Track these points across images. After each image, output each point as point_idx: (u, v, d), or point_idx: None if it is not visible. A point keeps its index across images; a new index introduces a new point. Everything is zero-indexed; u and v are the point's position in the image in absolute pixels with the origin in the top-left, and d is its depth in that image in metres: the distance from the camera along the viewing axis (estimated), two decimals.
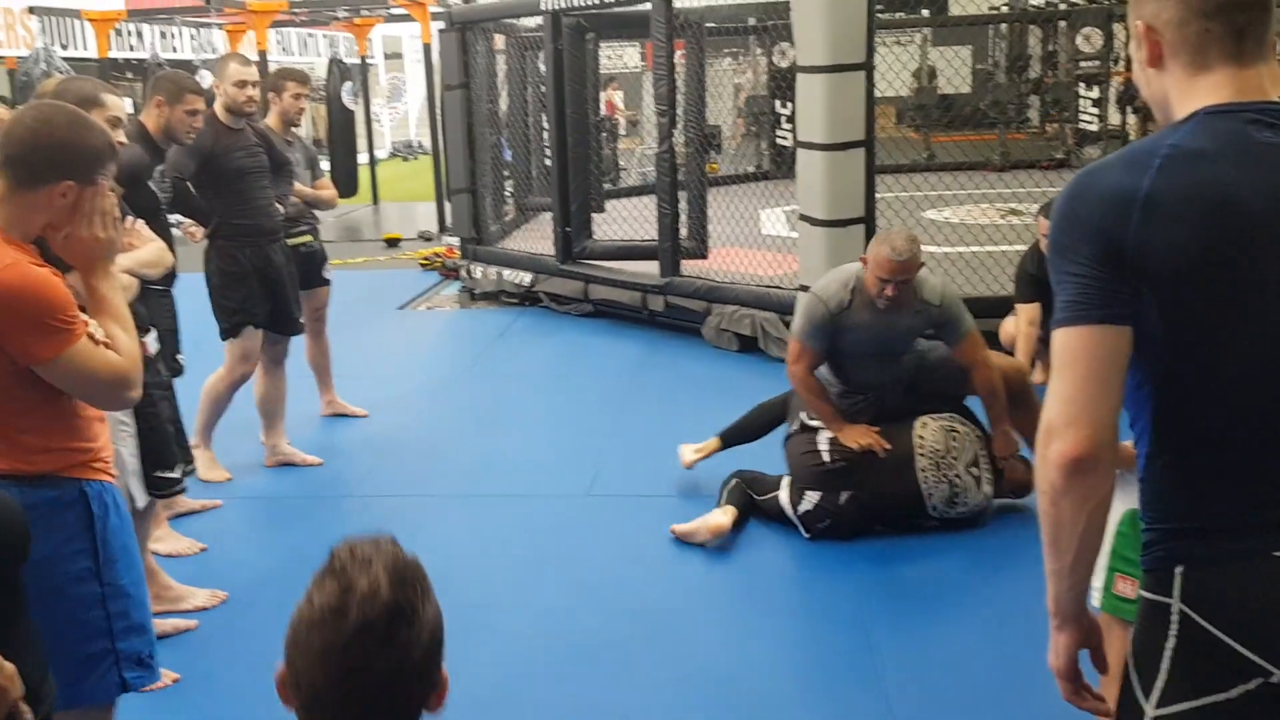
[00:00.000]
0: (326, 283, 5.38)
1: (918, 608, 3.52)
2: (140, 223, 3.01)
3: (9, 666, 1.40)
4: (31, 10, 12.31)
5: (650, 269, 7.19)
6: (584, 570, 3.85)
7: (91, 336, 2.01)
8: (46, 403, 2.04)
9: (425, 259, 9.83)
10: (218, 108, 4.54)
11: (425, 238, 11.24)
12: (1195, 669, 1.41)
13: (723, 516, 4.01)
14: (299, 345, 5.30)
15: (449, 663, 1.35)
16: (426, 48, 11.36)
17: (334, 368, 5.55)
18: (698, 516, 4.08)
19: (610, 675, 3.16)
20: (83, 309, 2.04)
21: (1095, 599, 1.96)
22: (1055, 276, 1.42)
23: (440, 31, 8.46)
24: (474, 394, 5.84)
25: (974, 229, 7.64)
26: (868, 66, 5.88)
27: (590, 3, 7.13)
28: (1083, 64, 13.73)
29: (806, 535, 3.96)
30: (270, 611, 3.56)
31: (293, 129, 5.12)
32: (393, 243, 11.31)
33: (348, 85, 13.19)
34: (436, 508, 4.45)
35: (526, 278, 7.98)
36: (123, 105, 3.15)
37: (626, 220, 8.28)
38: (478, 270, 8.46)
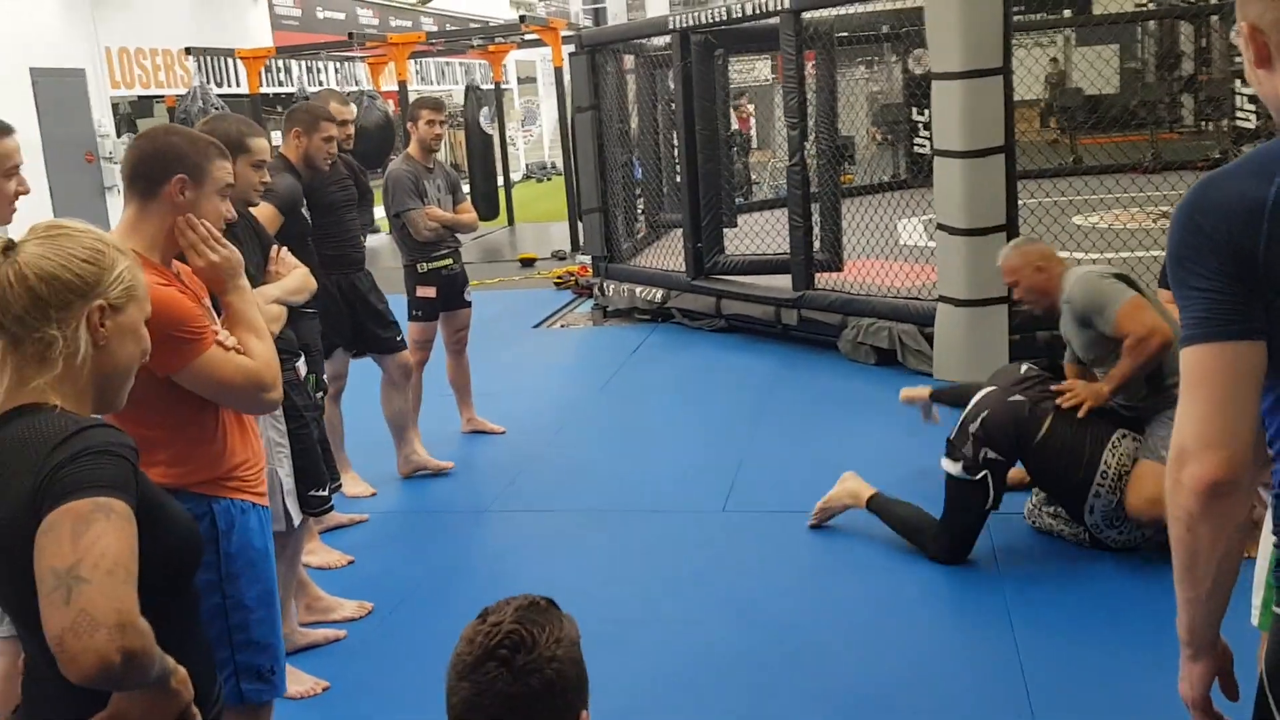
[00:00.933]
0: (468, 304, 5.50)
1: (1065, 627, 3.38)
2: (285, 251, 3.13)
3: (182, 671, 1.46)
4: (188, 51, 13.00)
5: (783, 283, 7.14)
6: (721, 585, 3.83)
7: (221, 345, 2.14)
8: (184, 421, 2.16)
9: (559, 278, 9.98)
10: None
11: (559, 257, 11.42)
12: None
13: (857, 482, 4.06)
14: (440, 365, 5.45)
15: (590, 670, 1.42)
16: (558, 71, 11.55)
17: (472, 386, 5.68)
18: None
19: (748, 690, 3.13)
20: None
21: (1255, 618, 1.84)
22: (1180, 293, 1.35)
23: (570, 55, 8.60)
24: (609, 410, 5.89)
25: (1123, 234, 7.34)
26: (1005, 71, 5.74)
27: (718, 19, 7.14)
28: (1237, 59, 13.10)
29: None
30: (414, 622, 3.66)
31: (432, 155, 5.26)
32: (528, 263, 11.53)
33: (484, 110, 13.52)
34: (574, 523, 4.50)
35: (659, 294, 8.02)
36: (267, 147, 3.27)
37: (759, 234, 8.24)
38: (610, 288, 8.54)
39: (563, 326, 8.56)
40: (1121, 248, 6.78)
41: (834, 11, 7.90)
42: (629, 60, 9.20)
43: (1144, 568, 3.68)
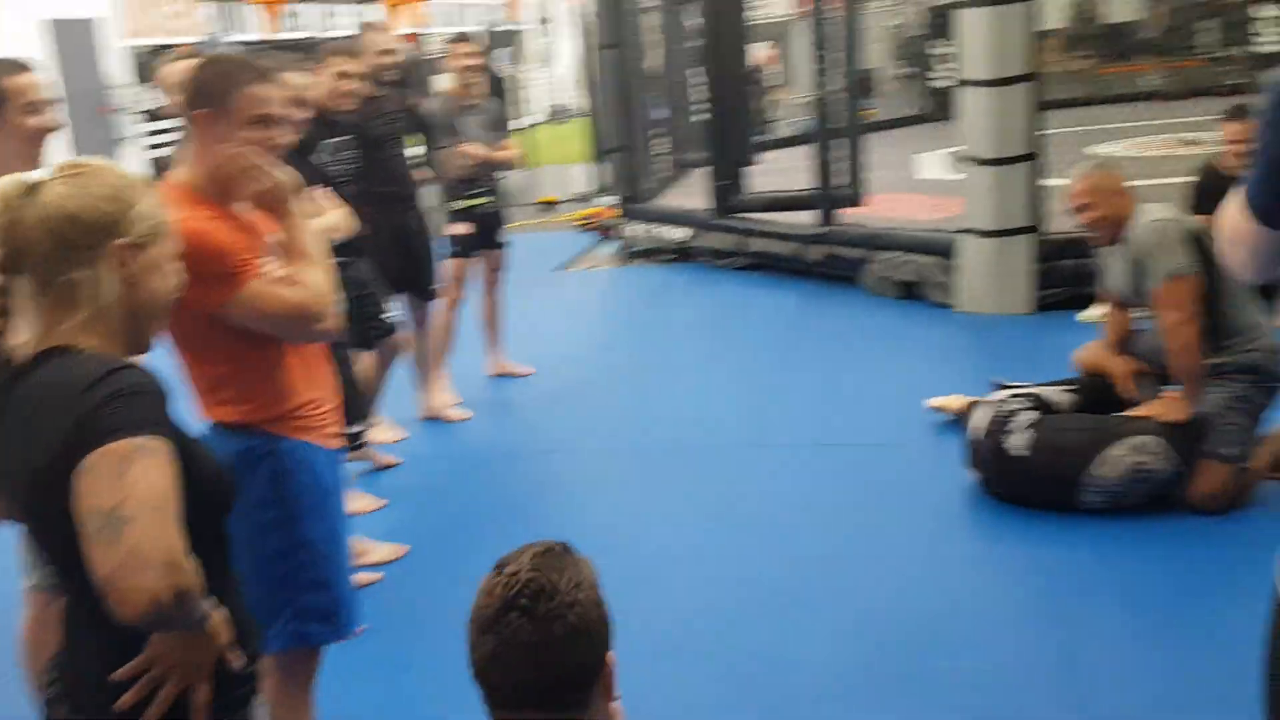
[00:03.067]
0: (501, 245, 5.50)
1: (1084, 552, 3.42)
2: (319, 190, 3.13)
3: (220, 613, 1.47)
4: None
5: (807, 219, 7.11)
6: (759, 519, 3.87)
7: (267, 276, 2.09)
8: (244, 357, 2.15)
9: (583, 220, 9.96)
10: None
11: (582, 198, 11.38)
12: None
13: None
14: (471, 309, 5.47)
15: (626, 607, 1.40)
16: (574, 8, 11.43)
17: (502, 329, 5.70)
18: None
19: (784, 621, 3.18)
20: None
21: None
22: (1254, 156, 1.38)
23: None
24: (638, 350, 5.92)
25: (1146, 162, 7.26)
26: None
27: None
28: None
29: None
30: (450, 563, 3.72)
31: (471, 89, 5.21)
32: (548, 205, 11.49)
33: (499, 51, 13.41)
34: (607, 462, 4.55)
35: (682, 234, 8.00)
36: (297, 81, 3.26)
37: (781, 172, 8.19)
38: (634, 228, 8.52)
39: (588, 269, 8.56)
40: (1141, 176, 6.69)
41: None
42: None
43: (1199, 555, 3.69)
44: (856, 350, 5.70)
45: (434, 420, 5.07)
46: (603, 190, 10.52)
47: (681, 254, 8.10)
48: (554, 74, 22.96)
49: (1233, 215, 1.45)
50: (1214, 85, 12.59)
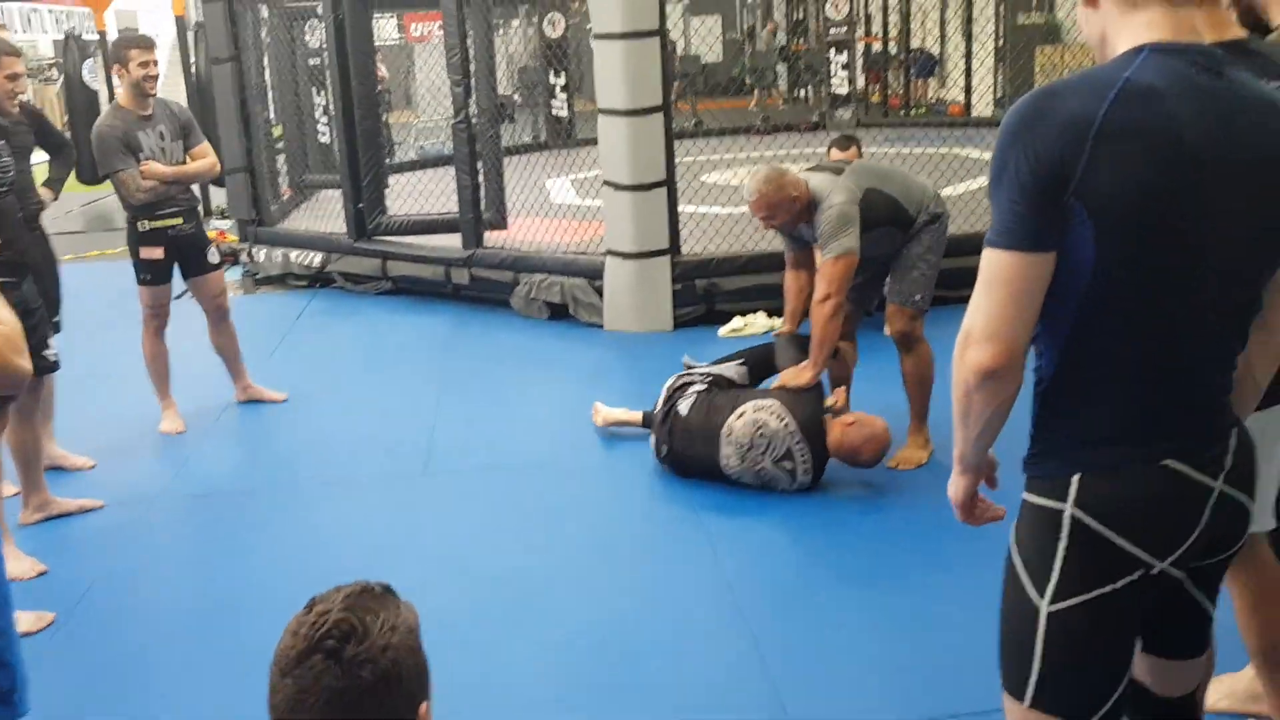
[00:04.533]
0: (215, 267, 5.12)
1: (763, 549, 3.67)
2: None
3: None
4: None
5: (449, 242, 7.09)
6: (436, 546, 3.79)
7: None
8: None
9: None
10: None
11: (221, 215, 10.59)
12: (1085, 566, 1.55)
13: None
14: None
15: None
16: (180, 20, 10.67)
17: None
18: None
19: (477, 646, 3.12)
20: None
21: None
22: (995, 194, 1.49)
23: (205, 2, 7.98)
24: (282, 381, 5.59)
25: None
26: (661, 32, 6.00)
27: None
28: (832, 30, 14.39)
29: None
30: (89, 633, 3.35)
31: (149, 99, 4.77)
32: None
33: (88, 63, 12.25)
34: (262, 502, 4.27)
35: (317, 258, 7.70)
36: None
37: (413, 195, 8.11)
38: (261, 253, 8.08)
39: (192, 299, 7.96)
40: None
41: None
42: (263, 10, 8.68)
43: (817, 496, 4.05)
44: (512, 372, 5.74)
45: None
46: (220, 213, 9.89)
47: (315, 280, 7.79)
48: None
49: (980, 278, 1.51)
50: (796, 121, 13.97)
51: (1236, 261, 1.52)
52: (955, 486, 1.72)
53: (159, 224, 4.83)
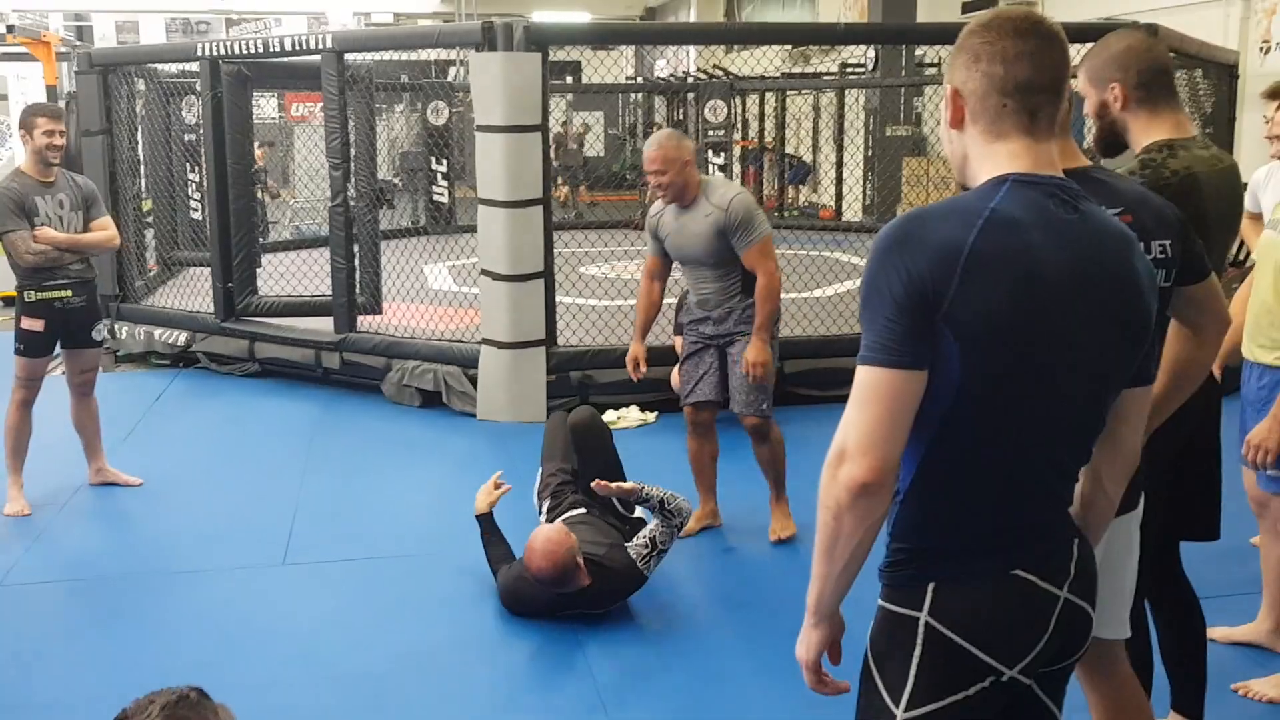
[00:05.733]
0: (97, 344, 5.04)
1: (631, 640, 3.64)
2: None
3: None
4: None
5: (321, 325, 6.98)
6: (288, 641, 3.65)
7: None
8: None
9: None
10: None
11: None
12: (939, 674, 1.57)
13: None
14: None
15: None
16: (51, 89, 10.38)
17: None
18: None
19: None
20: None
21: None
22: (867, 313, 1.52)
23: (78, 73, 7.81)
24: (138, 465, 5.36)
25: (630, 282, 8.01)
26: (543, 128, 6.09)
27: (254, 51, 6.87)
28: (710, 133, 14.84)
29: None
30: None
31: (51, 168, 4.74)
32: (8, 301, 10.17)
33: None
34: (116, 589, 4.06)
35: (181, 337, 7.48)
36: None
37: (285, 276, 7.99)
38: (123, 330, 7.81)
39: (62, 373, 7.64)
40: (630, 295, 7.39)
41: (369, 56, 7.90)
42: (139, 84, 8.53)
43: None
44: (381, 459, 5.63)
45: None
46: None
47: (179, 359, 7.56)
48: (5, 157, 20.60)
49: (853, 398, 1.53)
50: None
51: (1086, 384, 1.60)
52: (806, 644, 1.65)
53: (46, 295, 4.76)
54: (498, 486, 4.09)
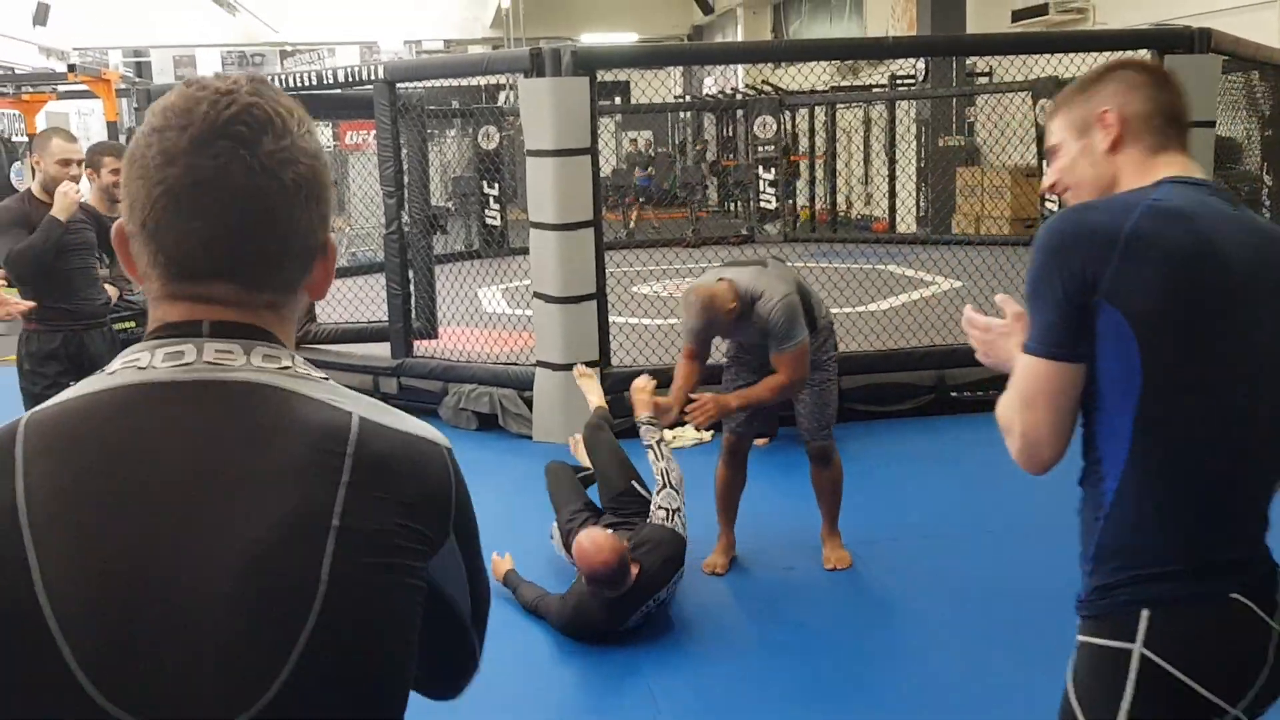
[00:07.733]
0: None
1: (692, 654, 3.63)
2: None
3: None
4: None
5: (378, 350, 7.07)
6: None
7: None
8: None
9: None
10: (35, 185, 4.53)
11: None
12: (1153, 713, 1.46)
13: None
14: None
15: None
16: (111, 125, 10.68)
17: None
18: None
19: None
20: None
21: None
22: (1031, 306, 1.54)
23: (138, 110, 8.01)
24: None
25: (674, 301, 8.02)
26: (592, 151, 6.13)
27: (309, 84, 7.01)
28: (760, 149, 14.83)
29: None
30: None
31: (118, 205, 4.86)
32: None
33: (15, 165, 12.21)
34: None
35: None
36: None
37: (342, 303, 8.11)
38: None
39: None
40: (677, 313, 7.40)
41: (423, 85, 8.02)
42: None
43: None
44: None
45: None
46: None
47: None
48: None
49: (1019, 388, 1.55)
50: (726, 234, 14.28)
51: (1275, 379, 1.54)
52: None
53: (119, 326, 4.99)
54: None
